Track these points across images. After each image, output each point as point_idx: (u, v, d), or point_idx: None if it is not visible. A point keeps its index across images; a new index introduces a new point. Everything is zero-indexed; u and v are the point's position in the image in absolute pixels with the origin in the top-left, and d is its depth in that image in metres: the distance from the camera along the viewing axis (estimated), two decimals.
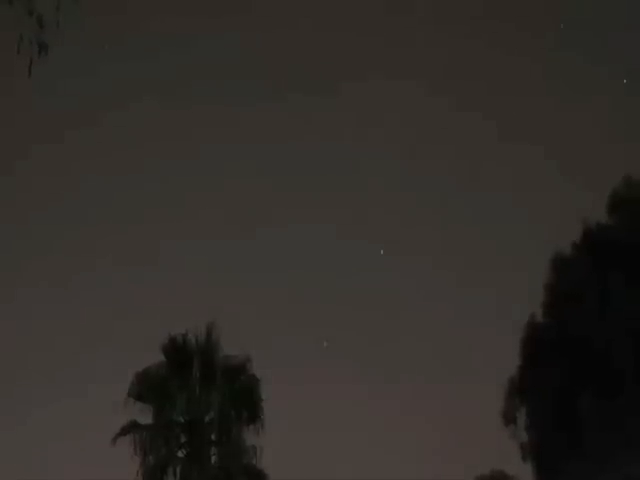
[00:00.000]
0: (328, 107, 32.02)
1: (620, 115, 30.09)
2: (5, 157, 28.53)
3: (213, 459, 23.82)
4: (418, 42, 32.44)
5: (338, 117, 32.82)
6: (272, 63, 32.04)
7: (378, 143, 32.83)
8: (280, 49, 32.03)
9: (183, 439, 23.75)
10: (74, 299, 29.85)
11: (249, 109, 31.57)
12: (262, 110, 31.47)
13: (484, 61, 32.30)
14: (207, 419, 23.73)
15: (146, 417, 23.44)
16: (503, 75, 32.66)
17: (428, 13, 32.46)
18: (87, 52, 28.00)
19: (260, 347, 24.53)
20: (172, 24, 32.13)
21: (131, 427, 23.10)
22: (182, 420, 23.74)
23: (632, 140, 27.97)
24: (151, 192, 32.28)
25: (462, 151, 32.72)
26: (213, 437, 23.91)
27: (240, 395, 23.65)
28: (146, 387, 23.28)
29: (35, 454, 25.58)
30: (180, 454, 23.65)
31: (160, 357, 23.75)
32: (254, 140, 32.95)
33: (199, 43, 32.55)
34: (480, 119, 31.93)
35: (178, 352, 23.74)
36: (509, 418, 24.30)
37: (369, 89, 32.48)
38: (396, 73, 32.16)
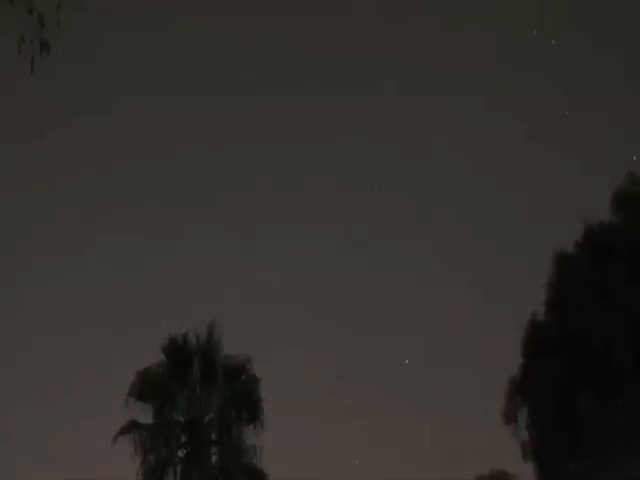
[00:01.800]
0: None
1: (622, 113, 30.11)
2: (6, 157, 28.55)
3: (213, 459, 23.81)
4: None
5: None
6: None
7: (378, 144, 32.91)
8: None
9: (183, 439, 23.73)
10: (74, 299, 29.88)
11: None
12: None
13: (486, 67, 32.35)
14: (207, 419, 23.72)
15: (146, 417, 23.44)
16: (503, 74, 32.68)
17: None
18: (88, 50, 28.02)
19: (260, 347, 24.58)
20: (175, 22, 32.21)
21: (131, 427, 23.09)
22: (182, 420, 23.73)
23: (635, 138, 27.97)
24: (152, 191, 32.31)
25: (463, 151, 32.74)
26: (213, 437, 23.90)
27: (240, 395, 23.64)
28: (146, 387, 23.26)
29: (35, 454, 25.60)
30: (180, 454, 23.63)
31: (160, 357, 23.75)
32: (256, 139, 33.01)
33: (202, 40, 32.65)
34: (480, 120, 31.96)
35: (178, 352, 23.73)
36: (510, 417, 24.29)
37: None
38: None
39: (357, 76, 32.57)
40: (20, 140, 30.16)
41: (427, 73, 32.24)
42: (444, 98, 31.26)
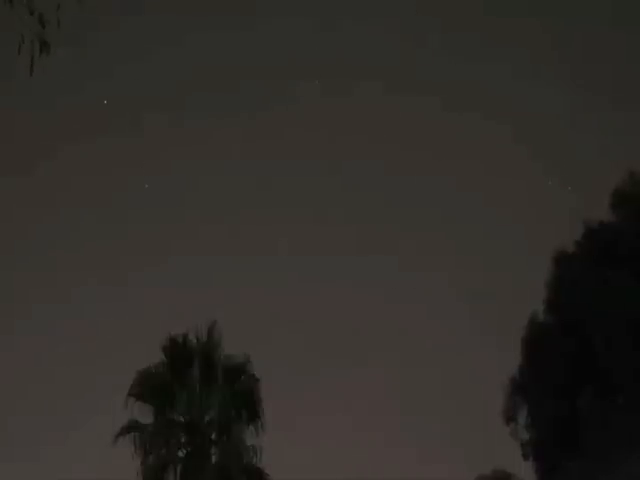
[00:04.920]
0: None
1: (622, 113, 30.14)
2: (6, 158, 28.58)
3: (213, 459, 23.80)
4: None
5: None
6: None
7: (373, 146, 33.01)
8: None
9: (183, 439, 23.72)
10: (74, 299, 29.88)
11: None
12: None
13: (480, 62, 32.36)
14: (207, 419, 23.71)
15: (146, 417, 23.45)
16: (501, 71, 32.70)
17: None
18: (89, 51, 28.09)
19: (260, 347, 24.59)
20: (173, 25, 32.28)
21: (131, 427, 23.09)
22: (182, 420, 23.73)
23: (634, 136, 28.00)
24: (152, 193, 32.35)
25: (463, 150, 32.78)
26: (213, 437, 23.90)
27: (240, 395, 23.63)
28: (146, 387, 23.26)
29: (35, 453, 25.61)
30: (180, 454, 23.63)
31: (160, 357, 23.76)
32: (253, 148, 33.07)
33: (200, 41, 32.73)
34: (480, 118, 31.97)
35: (178, 352, 23.74)
36: (509, 417, 24.33)
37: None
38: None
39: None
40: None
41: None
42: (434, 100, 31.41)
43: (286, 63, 32.44)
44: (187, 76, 33.08)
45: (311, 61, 32.64)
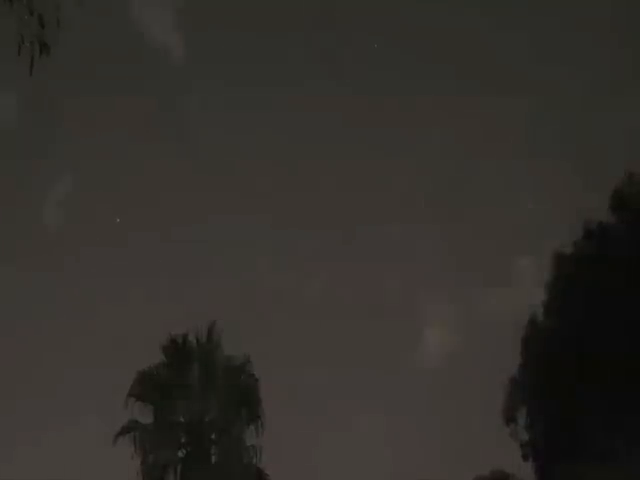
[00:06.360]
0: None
1: (621, 113, 30.12)
2: (6, 158, 28.59)
3: (213, 459, 23.83)
4: None
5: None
6: None
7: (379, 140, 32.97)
8: None
9: (183, 439, 23.76)
10: (75, 299, 29.88)
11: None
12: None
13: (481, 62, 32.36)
14: (207, 419, 23.74)
15: (146, 417, 23.48)
16: (503, 68, 32.70)
17: None
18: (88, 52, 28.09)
19: (260, 347, 24.59)
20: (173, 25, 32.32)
21: (131, 427, 23.13)
22: (182, 420, 23.76)
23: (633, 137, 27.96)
24: (152, 193, 32.36)
25: (462, 148, 32.76)
26: (213, 437, 23.93)
27: (240, 395, 23.67)
28: (146, 387, 23.31)
29: (35, 453, 25.60)
30: (180, 454, 23.67)
31: (160, 357, 23.80)
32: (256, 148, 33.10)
33: (198, 40, 32.83)
34: (479, 116, 31.97)
35: (178, 352, 23.78)
36: (509, 417, 24.31)
37: None
38: None
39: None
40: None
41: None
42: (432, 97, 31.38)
43: (286, 63, 32.48)
44: (187, 76, 33.17)
45: (311, 60, 32.70)
